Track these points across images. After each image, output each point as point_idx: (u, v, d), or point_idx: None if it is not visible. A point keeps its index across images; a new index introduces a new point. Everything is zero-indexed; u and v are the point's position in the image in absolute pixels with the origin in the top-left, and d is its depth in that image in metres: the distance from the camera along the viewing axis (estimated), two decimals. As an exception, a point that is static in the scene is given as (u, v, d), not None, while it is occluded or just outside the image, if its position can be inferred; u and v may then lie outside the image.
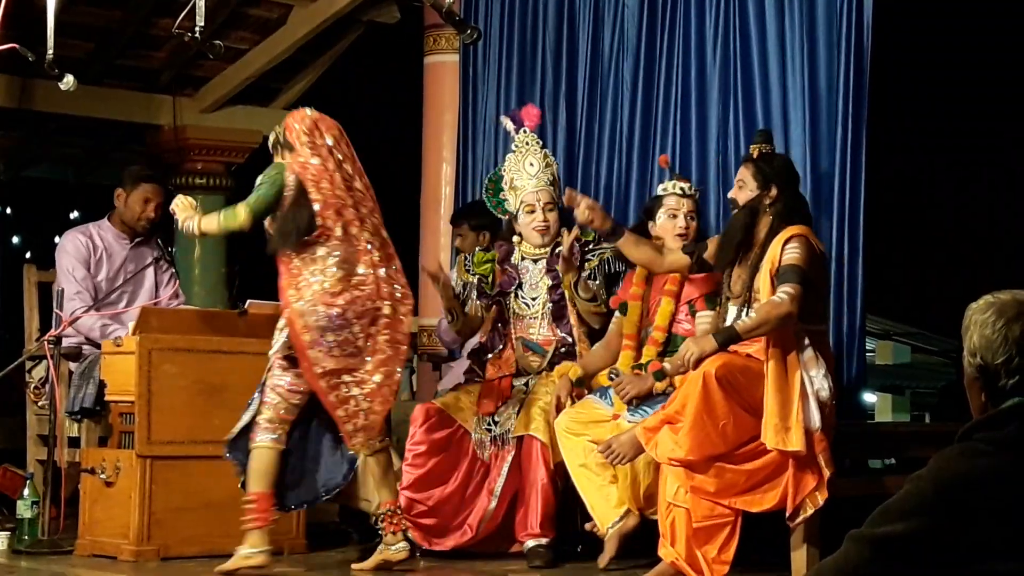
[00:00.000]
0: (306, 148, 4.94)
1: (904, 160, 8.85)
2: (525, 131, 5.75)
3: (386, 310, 4.95)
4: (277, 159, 5.01)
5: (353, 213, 4.95)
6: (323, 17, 7.90)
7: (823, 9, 5.59)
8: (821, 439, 4.58)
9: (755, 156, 4.91)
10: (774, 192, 4.83)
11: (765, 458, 4.60)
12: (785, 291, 4.58)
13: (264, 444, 4.99)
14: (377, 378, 4.95)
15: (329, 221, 4.90)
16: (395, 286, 5.00)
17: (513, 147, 5.75)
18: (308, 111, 5.06)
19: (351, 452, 5.05)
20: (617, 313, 5.52)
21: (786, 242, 4.69)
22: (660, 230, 5.44)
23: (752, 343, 4.70)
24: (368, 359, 4.93)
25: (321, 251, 4.90)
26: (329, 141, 4.97)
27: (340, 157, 4.98)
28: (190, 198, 5.12)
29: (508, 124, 5.83)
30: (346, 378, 4.91)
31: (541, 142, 5.78)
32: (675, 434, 4.60)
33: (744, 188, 4.89)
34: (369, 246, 4.96)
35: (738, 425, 4.60)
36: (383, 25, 8.34)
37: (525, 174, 5.64)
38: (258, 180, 4.98)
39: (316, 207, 4.88)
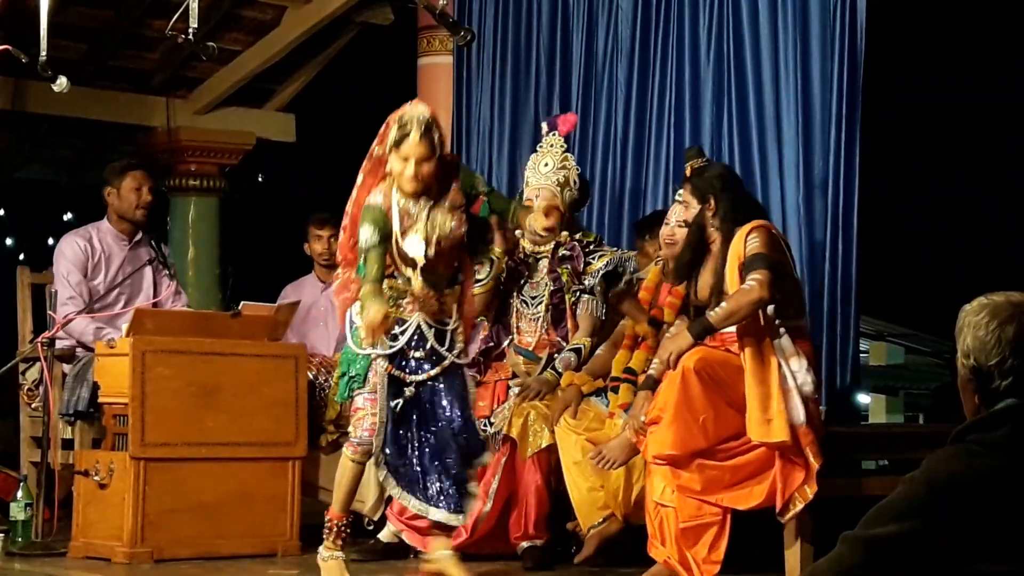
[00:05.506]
0: None
1: (897, 159, 8.86)
2: (554, 134, 5.73)
3: None
4: None
5: None
6: (317, 19, 7.90)
7: (816, 10, 5.60)
8: (807, 432, 4.56)
9: (688, 174, 4.96)
10: (712, 203, 4.86)
11: (750, 455, 4.60)
12: (754, 278, 4.58)
13: None
14: None
15: None
16: None
17: (538, 147, 5.72)
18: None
19: None
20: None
21: (747, 235, 4.71)
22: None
23: (731, 340, 4.71)
24: None
25: None
26: None
27: None
28: None
29: (544, 125, 5.85)
30: None
31: (566, 146, 5.69)
32: (657, 431, 4.61)
33: (689, 207, 4.94)
34: None
35: (719, 419, 4.60)
36: (377, 27, 8.33)
37: (538, 172, 5.63)
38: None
39: None
